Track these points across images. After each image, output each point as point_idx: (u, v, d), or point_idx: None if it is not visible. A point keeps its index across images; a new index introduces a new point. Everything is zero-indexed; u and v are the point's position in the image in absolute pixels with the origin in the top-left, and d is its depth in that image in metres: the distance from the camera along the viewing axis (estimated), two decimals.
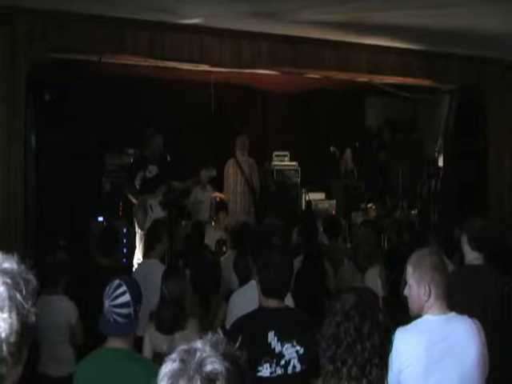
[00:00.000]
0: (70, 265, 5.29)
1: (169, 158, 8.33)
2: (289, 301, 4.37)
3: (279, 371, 3.49)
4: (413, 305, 3.31)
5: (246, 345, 3.64)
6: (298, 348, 3.51)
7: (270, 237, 5.88)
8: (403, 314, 3.63)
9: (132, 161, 9.18)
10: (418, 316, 3.31)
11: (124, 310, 3.24)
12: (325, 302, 5.17)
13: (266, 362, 3.48)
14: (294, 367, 3.51)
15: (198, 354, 1.47)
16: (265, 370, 3.47)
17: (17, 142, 6.41)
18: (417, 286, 3.24)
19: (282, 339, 3.51)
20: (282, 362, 3.50)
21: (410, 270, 3.29)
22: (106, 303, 3.24)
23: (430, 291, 3.20)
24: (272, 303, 3.62)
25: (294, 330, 3.56)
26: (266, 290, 3.64)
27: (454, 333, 3.18)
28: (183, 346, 1.51)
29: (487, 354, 3.21)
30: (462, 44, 7.88)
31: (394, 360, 3.02)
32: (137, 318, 3.29)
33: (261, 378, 3.45)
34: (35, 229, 7.08)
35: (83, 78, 7.92)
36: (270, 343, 3.49)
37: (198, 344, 1.49)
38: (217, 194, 9.62)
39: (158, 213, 8.30)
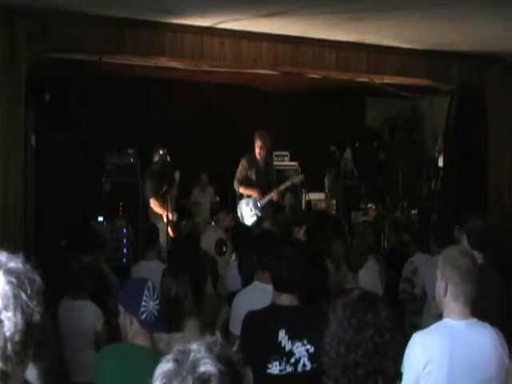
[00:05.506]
0: (96, 270, 5.17)
1: (168, 159, 8.34)
2: None
3: (289, 369, 3.51)
4: (436, 297, 3.20)
5: (256, 342, 3.64)
6: (308, 347, 3.51)
7: (275, 235, 5.88)
8: (400, 315, 3.61)
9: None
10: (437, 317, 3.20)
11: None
12: (324, 301, 5.19)
13: (275, 360, 3.49)
14: (305, 366, 3.51)
15: (192, 354, 1.48)
16: (274, 368, 3.49)
17: (17, 142, 6.40)
18: (439, 279, 3.13)
19: (293, 338, 3.51)
20: (292, 360, 3.51)
21: (439, 262, 3.19)
22: (151, 304, 3.41)
23: (446, 287, 3.07)
24: (285, 299, 3.61)
25: (305, 329, 3.54)
26: (278, 285, 3.63)
27: (477, 340, 3.05)
28: (179, 347, 1.52)
29: (509, 365, 3.03)
30: (461, 44, 7.89)
31: (412, 366, 2.92)
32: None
33: (270, 375, 3.48)
34: (35, 229, 7.08)
35: (83, 78, 7.92)
36: (281, 341, 3.50)
37: (194, 345, 1.51)
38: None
39: None
